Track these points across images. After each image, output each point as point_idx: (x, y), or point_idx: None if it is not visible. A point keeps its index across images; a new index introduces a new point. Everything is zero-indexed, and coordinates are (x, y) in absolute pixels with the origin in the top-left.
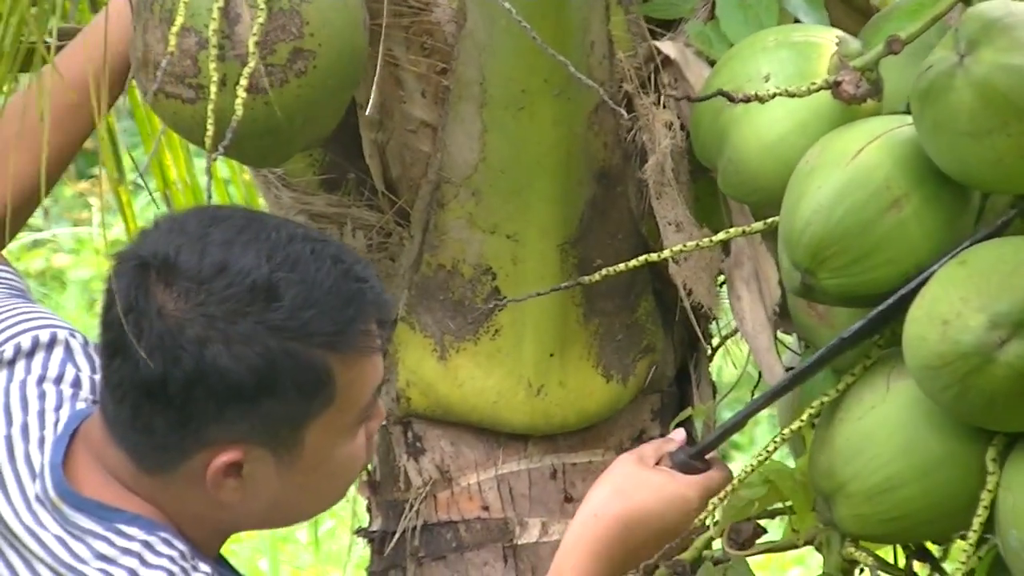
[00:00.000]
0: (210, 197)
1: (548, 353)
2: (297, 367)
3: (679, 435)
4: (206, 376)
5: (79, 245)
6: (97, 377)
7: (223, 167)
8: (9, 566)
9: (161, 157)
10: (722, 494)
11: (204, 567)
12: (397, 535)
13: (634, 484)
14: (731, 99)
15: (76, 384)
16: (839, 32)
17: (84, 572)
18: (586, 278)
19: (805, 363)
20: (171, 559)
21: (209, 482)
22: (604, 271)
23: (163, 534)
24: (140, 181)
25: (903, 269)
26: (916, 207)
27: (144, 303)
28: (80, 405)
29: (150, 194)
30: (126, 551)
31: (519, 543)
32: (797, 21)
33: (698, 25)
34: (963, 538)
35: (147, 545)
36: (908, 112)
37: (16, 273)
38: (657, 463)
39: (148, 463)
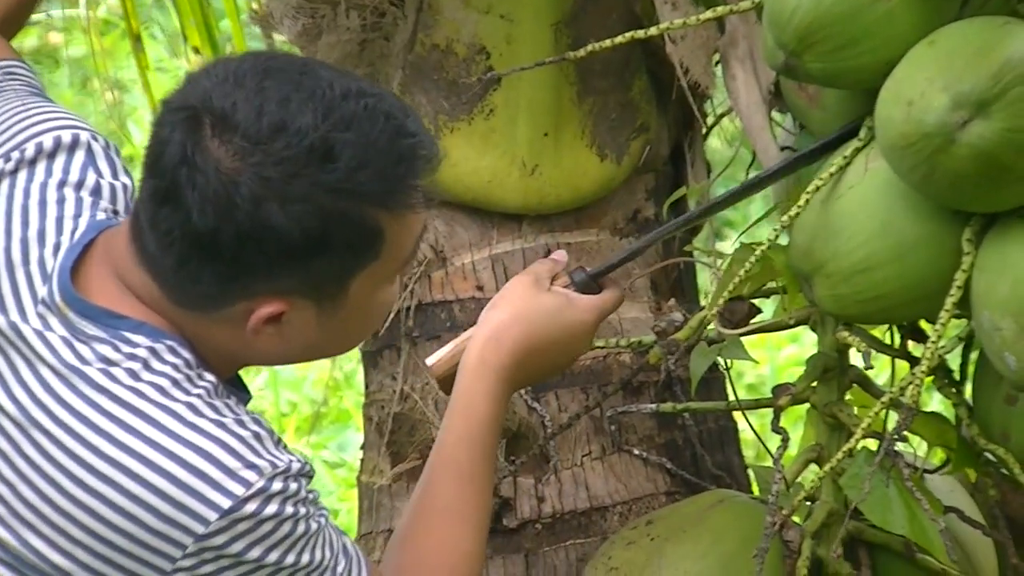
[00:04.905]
0: None
1: (542, 132)
2: (349, 226)
3: (562, 256)
4: (259, 233)
5: (71, 24)
6: (117, 183)
7: None
8: (12, 369)
9: None
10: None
11: (208, 376)
12: (392, 315)
13: (533, 308)
14: None
15: (96, 192)
16: None
17: (86, 373)
18: (575, 53)
19: (769, 169)
20: (175, 367)
21: (249, 329)
22: (593, 45)
23: (169, 342)
24: None
25: (887, 57)
26: None
27: (199, 158)
28: (100, 215)
29: None
30: (131, 356)
31: None
32: None
33: None
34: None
35: (152, 352)
36: None
37: (31, 70)
38: (552, 282)
39: (183, 300)
